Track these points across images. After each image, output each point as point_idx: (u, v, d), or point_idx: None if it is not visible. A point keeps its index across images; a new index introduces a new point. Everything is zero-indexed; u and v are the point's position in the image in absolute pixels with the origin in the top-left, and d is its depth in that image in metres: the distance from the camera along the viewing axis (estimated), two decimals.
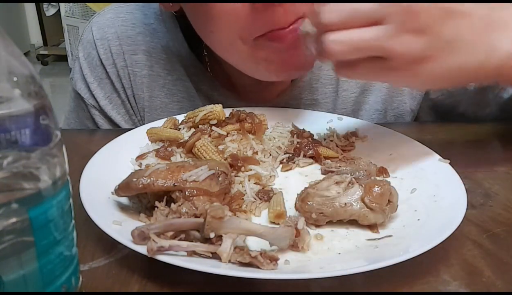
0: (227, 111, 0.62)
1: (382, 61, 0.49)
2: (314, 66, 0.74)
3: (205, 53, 0.76)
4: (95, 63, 0.78)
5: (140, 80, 0.78)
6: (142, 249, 0.39)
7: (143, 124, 0.75)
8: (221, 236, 0.40)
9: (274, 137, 0.64)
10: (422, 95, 0.81)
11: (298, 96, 0.77)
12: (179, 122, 0.64)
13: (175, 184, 0.46)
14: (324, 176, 0.52)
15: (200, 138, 0.57)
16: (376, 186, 0.47)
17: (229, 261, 0.39)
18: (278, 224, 0.47)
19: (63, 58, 4.48)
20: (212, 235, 0.40)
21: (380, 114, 0.81)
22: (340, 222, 0.47)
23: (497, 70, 0.51)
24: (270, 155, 0.60)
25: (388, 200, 0.47)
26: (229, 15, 0.57)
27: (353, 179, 0.49)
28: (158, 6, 0.78)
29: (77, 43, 0.82)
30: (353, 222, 0.47)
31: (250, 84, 0.74)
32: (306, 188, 0.50)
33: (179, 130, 0.62)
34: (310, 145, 0.62)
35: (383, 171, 0.57)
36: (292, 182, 0.57)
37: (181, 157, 0.57)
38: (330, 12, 0.48)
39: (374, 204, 0.46)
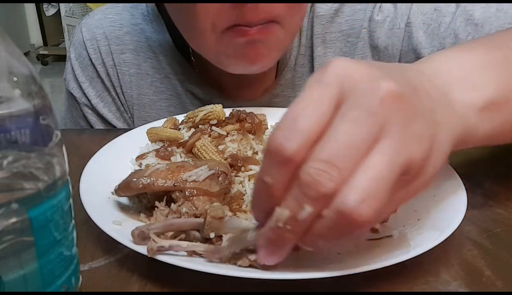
0: (227, 111, 0.62)
1: None
2: (297, 64, 0.78)
3: (191, 52, 0.77)
4: (85, 63, 0.80)
5: (128, 79, 0.80)
6: (142, 249, 0.39)
7: (133, 121, 0.80)
8: (221, 236, 0.40)
9: None
10: None
11: (281, 94, 0.79)
12: (179, 122, 0.64)
13: (175, 184, 0.46)
14: None
15: (200, 138, 0.57)
16: None
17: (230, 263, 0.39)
18: None
19: (63, 58, 4.47)
20: (212, 235, 0.40)
21: None
22: None
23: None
24: None
25: None
26: (201, 5, 0.59)
27: None
28: (145, 7, 0.80)
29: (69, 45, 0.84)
30: None
31: (234, 83, 0.77)
32: None
33: (179, 130, 0.62)
34: None
35: None
36: None
37: (181, 157, 0.57)
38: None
39: None
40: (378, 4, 0.74)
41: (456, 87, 0.44)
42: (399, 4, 0.73)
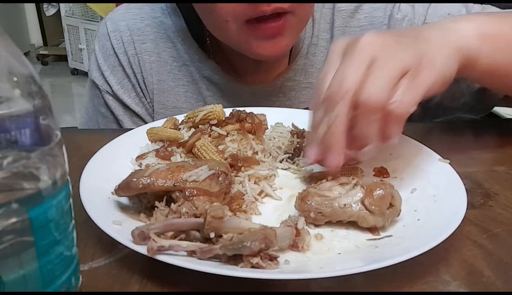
0: (227, 112, 0.62)
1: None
2: (309, 52, 0.86)
3: (208, 42, 0.84)
4: (108, 53, 0.87)
5: (149, 66, 0.86)
6: (142, 249, 0.39)
7: (153, 106, 0.89)
8: (221, 236, 0.40)
9: (274, 138, 0.64)
10: None
11: (293, 78, 0.85)
12: (179, 122, 0.64)
13: (175, 184, 0.46)
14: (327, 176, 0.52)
15: (200, 138, 0.57)
16: (378, 189, 0.47)
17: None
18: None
19: (63, 58, 4.47)
20: (212, 235, 0.40)
21: None
22: (340, 222, 0.47)
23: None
24: (270, 154, 0.60)
25: (390, 204, 0.46)
26: (219, 4, 0.67)
27: (359, 181, 0.49)
28: (164, 3, 0.87)
29: (93, 38, 0.95)
30: (353, 222, 0.47)
31: (249, 68, 0.84)
32: (308, 187, 0.50)
33: (179, 130, 0.62)
34: None
35: (383, 171, 0.57)
36: (292, 181, 0.57)
37: (181, 157, 0.57)
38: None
39: (373, 207, 0.45)
40: (397, 4, 0.82)
41: (455, 20, 0.58)
42: (416, 5, 0.81)
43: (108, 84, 0.87)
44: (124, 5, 0.91)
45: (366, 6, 0.84)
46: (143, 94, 0.88)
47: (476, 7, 0.77)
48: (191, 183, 0.47)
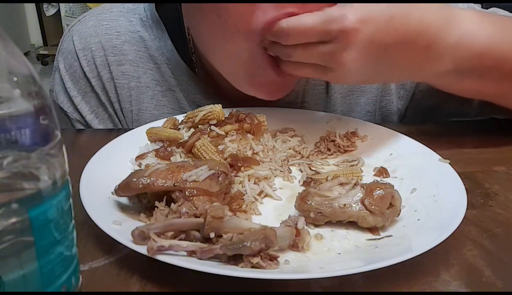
0: (227, 112, 0.62)
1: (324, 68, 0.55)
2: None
3: (195, 61, 0.72)
4: (78, 75, 0.74)
5: (127, 93, 0.74)
6: (142, 249, 0.39)
7: None
8: (221, 236, 0.40)
9: (284, 142, 0.64)
10: (409, 96, 0.80)
11: (294, 101, 0.76)
12: (179, 122, 0.64)
13: (175, 184, 0.46)
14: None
15: (199, 138, 0.57)
16: (378, 189, 0.47)
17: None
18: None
19: None
20: (212, 235, 0.40)
21: (371, 116, 0.80)
22: (340, 222, 0.47)
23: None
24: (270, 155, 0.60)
25: (390, 204, 0.46)
26: (241, 6, 0.56)
27: (359, 181, 0.49)
28: (143, 11, 0.74)
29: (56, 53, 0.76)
30: (353, 222, 0.47)
31: (239, 95, 0.72)
32: (308, 187, 0.50)
33: (178, 130, 0.62)
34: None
35: (383, 171, 0.57)
36: (292, 182, 0.57)
37: (181, 157, 0.57)
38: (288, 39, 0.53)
39: (373, 207, 0.45)
40: None
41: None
42: None
43: (79, 112, 0.74)
44: (94, 15, 0.75)
45: None
46: (122, 126, 0.76)
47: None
48: (191, 183, 0.47)
